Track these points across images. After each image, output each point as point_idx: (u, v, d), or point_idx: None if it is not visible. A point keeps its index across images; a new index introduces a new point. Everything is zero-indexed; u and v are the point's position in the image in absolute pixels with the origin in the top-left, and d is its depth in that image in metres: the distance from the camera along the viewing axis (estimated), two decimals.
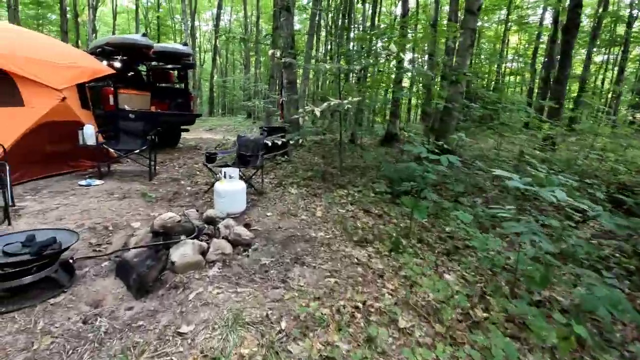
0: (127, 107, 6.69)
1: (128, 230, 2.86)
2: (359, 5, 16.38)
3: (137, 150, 4.39)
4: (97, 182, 4.12)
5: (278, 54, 4.17)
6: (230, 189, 3.27)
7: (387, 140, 9.24)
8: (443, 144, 4.06)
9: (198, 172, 5.21)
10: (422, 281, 2.35)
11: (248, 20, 26.33)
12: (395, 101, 9.24)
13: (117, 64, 7.26)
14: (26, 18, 22.29)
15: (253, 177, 4.48)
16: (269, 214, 3.48)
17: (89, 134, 4.27)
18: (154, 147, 4.69)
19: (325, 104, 3.91)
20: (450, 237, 3.28)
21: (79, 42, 19.38)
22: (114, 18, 24.43)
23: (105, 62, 6.91)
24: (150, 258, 2.20)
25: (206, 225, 2.86)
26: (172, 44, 7.78)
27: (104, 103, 6.53)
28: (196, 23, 27.09)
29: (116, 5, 24.52)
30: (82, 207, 3.30)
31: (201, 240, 2.55)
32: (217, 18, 25.01)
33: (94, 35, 18.23)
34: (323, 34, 18.89)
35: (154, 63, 8.05)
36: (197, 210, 3.21)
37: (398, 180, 4.67)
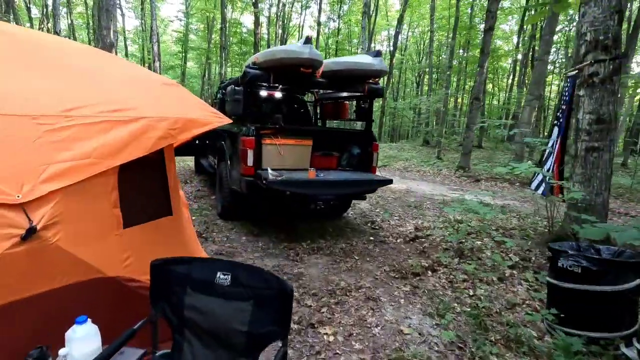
0: (270, 172, 3.88)
1: None
2: None
3: None
4: None
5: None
6: None
7: None
8: None
9: None
10: None
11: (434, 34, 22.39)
12: None
13: (278, 94, 4.71)
14: (234, 55, 25.84)
15: None
16: None
17: None
18: None
19: None
20: None
21: None
22: None
23: (265, 93, 4.43)
24: None
25: None
26: (353, 58, 4.67)
27: (241, 163, 3.92)
28: (372, 45, 25.54)
29: (301, 36, 25.59)
30: None
31: None
32: (396, 36, 22.43)
33: None
34: None
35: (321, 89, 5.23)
36: None
37: None
